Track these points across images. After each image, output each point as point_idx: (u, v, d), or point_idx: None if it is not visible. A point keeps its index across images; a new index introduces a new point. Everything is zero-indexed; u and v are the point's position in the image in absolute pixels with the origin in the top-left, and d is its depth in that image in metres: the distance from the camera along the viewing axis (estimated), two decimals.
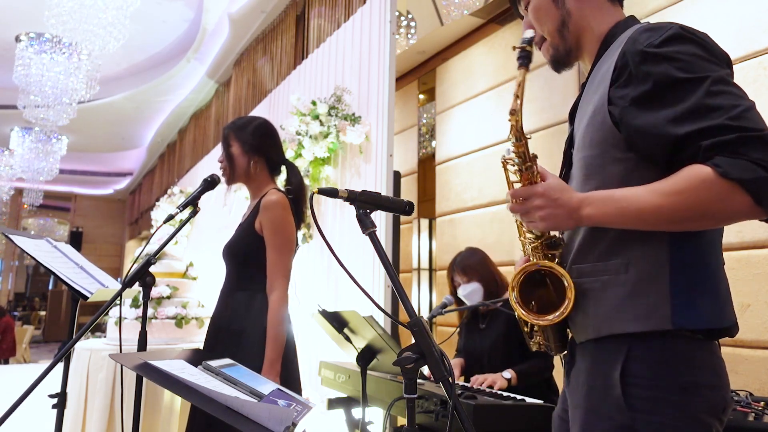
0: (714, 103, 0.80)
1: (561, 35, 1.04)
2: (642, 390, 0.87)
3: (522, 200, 0.91)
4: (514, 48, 0.96)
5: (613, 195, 0.88)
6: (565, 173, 1.06)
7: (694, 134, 0.80)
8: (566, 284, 0.93)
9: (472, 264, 2.48)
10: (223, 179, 1.99)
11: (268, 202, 1.87)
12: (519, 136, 0.91)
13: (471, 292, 2.43)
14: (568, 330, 1.06)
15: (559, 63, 1.08)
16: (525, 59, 0.95)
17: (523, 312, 0.97)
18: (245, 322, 1.82)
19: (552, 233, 0.98)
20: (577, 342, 1.01)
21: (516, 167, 0.94)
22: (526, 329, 1.08)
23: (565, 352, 1.07)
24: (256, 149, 1.97)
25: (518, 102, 0.90)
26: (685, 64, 0.84)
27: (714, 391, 0.87)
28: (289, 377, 1.83)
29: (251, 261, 1.88)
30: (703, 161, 0.80)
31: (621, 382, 0.88)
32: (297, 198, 1.99)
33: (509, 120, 0.90)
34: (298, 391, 1.91)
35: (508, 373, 2.20)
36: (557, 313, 0.93)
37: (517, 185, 0.95)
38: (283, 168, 2.09)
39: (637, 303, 0.89)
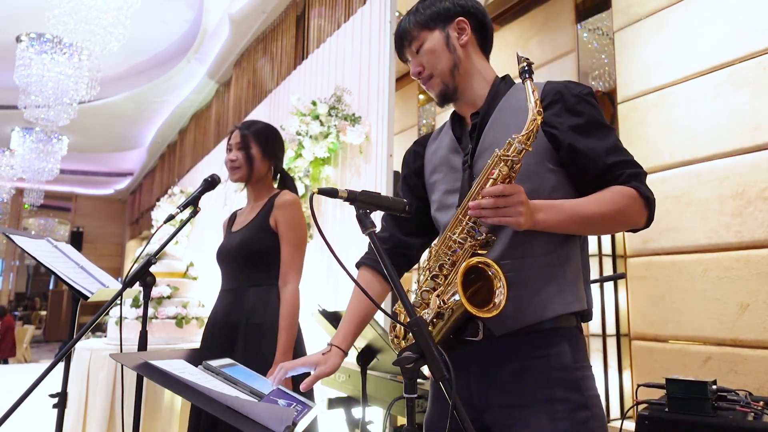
0: (622, 146, 1.13)
1: (452, 75, 1.22)
2: (581, 371, 1.09)
3: (507, 196, 0.98)
4: (524, 61, 1.06)
5: (563, 205, 1.07)
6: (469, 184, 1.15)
7: (619, 163, 1.09)
8: (497, 282, 1.00)
9: None
10: (230, 178, 2.05)
11: (285, 201, 1.97)
12: (531, 136, 1.00)
13: None
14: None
15: (446, 98, 1.25)
16: (529, 71, 1.06)
17: (468, 304, 0.97)
18: (264, 316, 1.87)
19: (487, 235, 1.05)
20: (498, 334, 1.08)
21: (507, 164, 1.00)
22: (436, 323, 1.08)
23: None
24: (273, 156, 2.08)
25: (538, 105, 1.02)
26: (600, 113, 1.15)
27: None
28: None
29: (265, 257, 1.94)
30: (625, 183, 1.08)
31: (574, 367, 1.07)
32: None
33: (537, 119, 1.00)
34: (311, 393, 1.91)
35: None
36: (496, 303, 0.98)
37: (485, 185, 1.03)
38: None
39: (572, 288, 1.11)
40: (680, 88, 3.05)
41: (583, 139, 1.10)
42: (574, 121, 1.11)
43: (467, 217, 1.04)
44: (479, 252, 1.04)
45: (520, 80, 1.11)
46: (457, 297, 0.99)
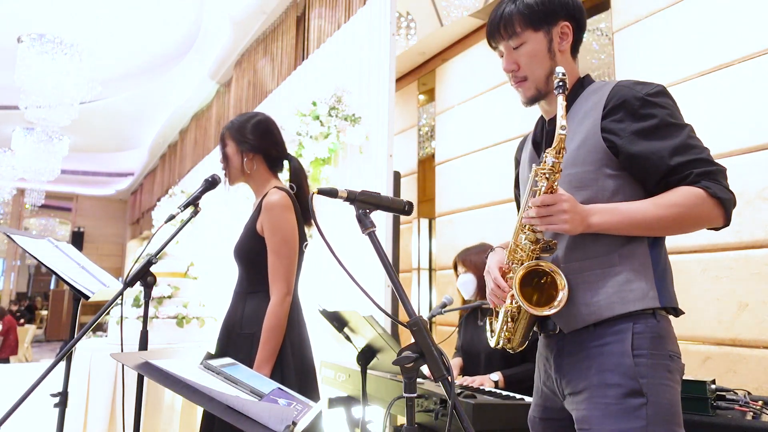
0: (694, 143, 1.10)
1: (546, 82, 1.21)
2: (645, 359, 1.08)
3: (549, 206, 1.05)
4: (555, 78, 1.07)
5: (620, 207, 1.10)
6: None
7: (685, 163, 1.08)
8: (561, 283, 1.10)
9: (472, 256, 2.56)
10: (225, 180, 1.99)
11: (269, 203, 1.83)
12: (560, 150, 1.06)
13: (464, 283, 2.53)
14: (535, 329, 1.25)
15: (534, 101, 1.27)
16: (564, 87, 1.07)
17: (526, 303, 1.10)
18: (256, 326, 1.77)
19: (547, 239, 1.14)
20: (566, 331, 1.16)
21: (545, 176, 1.07)
22: (501, 323, 1.22)
23: (522, 348, 1.24)
24: (251, 146, 1.94)
25: (566, 120, 1.06)
26: (671, 112, 1.12)
27: (680, 357, 1.15)
28: (306, 381, 1.83)
29: (257, 263, 1.83)
30: (693, 184, 1.07)
31: (631, 354, 1.08)
32: (299, 191, 1.95)
33: (560, 134, 1.04)
34: (316, 393, 1.88)
35: (495, 376, 2.25)
36: (554, 304, 1.09)
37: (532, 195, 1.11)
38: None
39: (633, 288, 1.11)
40: (680, 88, 3.05)
41: (644, 142, 1.10)
42: (638, 125, 1.11)
43: (525, 226, 1.13)
44: (542, 255, 1.14)
45: (593, 82, 1.19)
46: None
